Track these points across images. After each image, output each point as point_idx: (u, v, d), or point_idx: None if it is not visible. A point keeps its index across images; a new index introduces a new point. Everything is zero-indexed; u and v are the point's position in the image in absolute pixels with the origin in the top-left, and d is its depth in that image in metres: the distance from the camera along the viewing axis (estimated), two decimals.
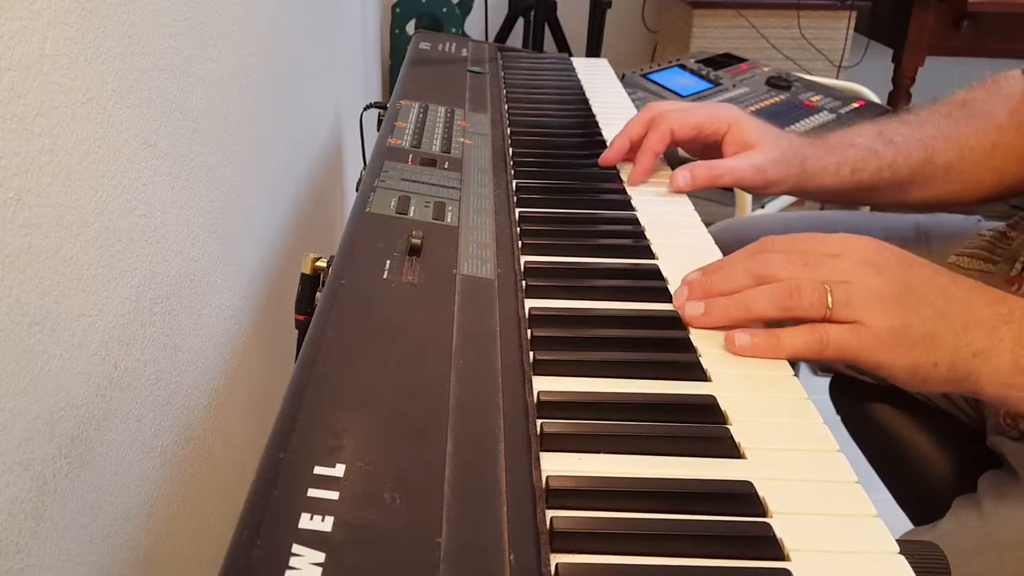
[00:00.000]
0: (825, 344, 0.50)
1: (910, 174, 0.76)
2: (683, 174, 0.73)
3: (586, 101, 0.98)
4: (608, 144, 0.80)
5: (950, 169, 0.76)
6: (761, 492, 0.40)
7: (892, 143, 0.75)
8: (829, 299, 0.50)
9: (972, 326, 0.50)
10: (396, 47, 2.33)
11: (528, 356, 0.48)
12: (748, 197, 1.42)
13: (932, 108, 0.79)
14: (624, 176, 0.76)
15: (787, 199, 1.59)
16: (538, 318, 0.53)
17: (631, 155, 0.77)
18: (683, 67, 1.65)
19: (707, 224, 0.70)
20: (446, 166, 0.70)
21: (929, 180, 0.76)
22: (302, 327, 0.64)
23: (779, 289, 0.51)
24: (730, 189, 1.42)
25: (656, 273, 0.60)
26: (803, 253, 0.52)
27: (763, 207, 1.52)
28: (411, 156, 0.71)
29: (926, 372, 0.50)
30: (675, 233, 0.67)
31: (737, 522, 0.38)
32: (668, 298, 0.57)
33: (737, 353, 0.51)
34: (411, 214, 0.60)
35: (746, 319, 0.52)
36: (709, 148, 0.77)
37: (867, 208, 1.64)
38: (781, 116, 1.44)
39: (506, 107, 0.92)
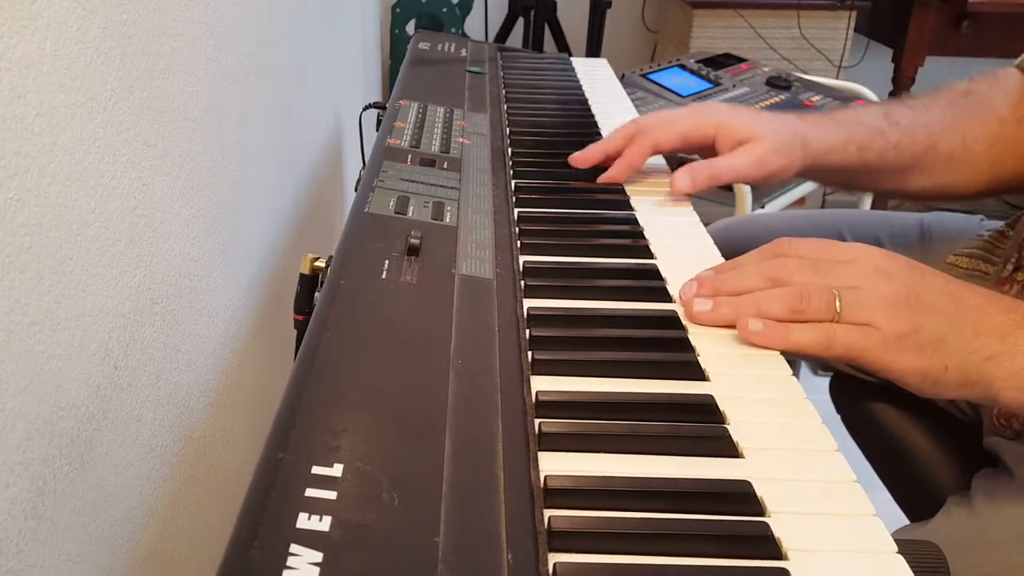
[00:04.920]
0: (832, 341, 0.50)
1: (913, 158, 0.75)
2: (683, 177, 0.72)
3: (586, 101, 0.98)
4: None
5: (952, 158, 0.75)
6: (759, 492, 0.40)
7: (898, 125, 0.75)
8: (837, 304, 0.51)
9: (984, 331, 0.50)
10: (396, 47, 2.33)
11: (527, 356, 0.48)
12: (748, 196, 1.41)
13: (936, 95, 0.79)
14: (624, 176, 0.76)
15: (788, 199, 1.59)
16: (537, 318, 0.53)
17: (604, 164, 0.76)
18: (683, 67, 1.65)
19: (706, 224, 0.70)
20: (445, 166, 0.70)
21: (931, 167, 0.76)
22: (301, 327, 0.64)
23: (790, 293, 0.52)
24: (730, 188, 1.42)
25: (655, 273, 0.60)
26: (815, 259, 0.54)
27: (763, 207, 1.51)
28: (410, 156, 0.71)
29: (936, 375, 0.50)
30: (674, 233, 0.67)
31: (735, 521, 0.38)
32: (667, 298, 0.57)
33: (747, 338, 0.52)
34: (410, 214, 0.60)
35: (756, 318, 0.53)
36: (707, 148, 0.76)
37: (868, 206, 1.64)
38: None
39: (505, 107, 0.92)
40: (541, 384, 0.46)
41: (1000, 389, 0.50)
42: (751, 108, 0.76)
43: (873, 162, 0.74)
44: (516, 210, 0.68)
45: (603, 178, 0.74)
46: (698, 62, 1.67)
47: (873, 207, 1.68)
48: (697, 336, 0.53)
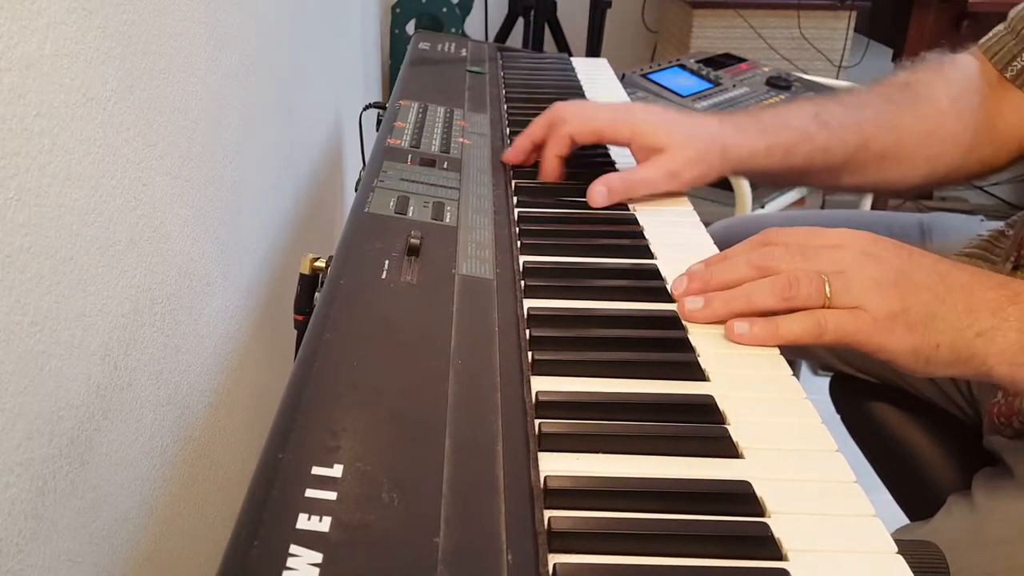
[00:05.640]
0: (824, 328, 0.50)
1: (843, 159, 0.74)
2: (599, 190, 0.69)
3: None
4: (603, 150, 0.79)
5: (885, 156, 0.74)
6: (759, 492, 0.40)
7: (827, 126, 0.73)
8: (827, 289, 0.51)
9: (975, 307, 0.50)
10: (396, 47, 2.33)
11: (527, 356, 0.48)
12: (748, 197, 1.42)
13: (873, 90, 0.77)
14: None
15: (788, 199, 1.59)
16: (537, 318, 0.53)
17: (534, 155, 0.75)
18: (683, 67, 1.65)
19: (706, 224, 0.70)
20: (445, 166, 0.70)
21: (863, 166, 0.75)
22: (301, 327, 0.64)
23: (779, 280, 0.52)
24: (730, 188, 1.42)
25: (655, 273, 0.60)
26: (802, 245, 0.53)
27: (763, 207, 1.52)
28: (410, 156, 0.71)
29: (928, 354, 0.50)
30: (674, 233, 0.67)
31: (735, 522, 0.38)
32: (667, 298, 0.57)
33: (736, 341, 0.52)
34: (410, 214, 0.60)
35: (748, 311, 0.53)
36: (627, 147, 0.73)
37: (868, 206, 1.64)
38: None
39: (505, 107, 0.92)
40: (541, 384, 0.46)
41: (993, 365, 0.50)
42: (672, 111, 0.73)
43: (799, 165, 0.73)
44: (516, 210, 0.68)
45: (541, 178, 0.73)
46: (698, 62, 1.67)
47: (873, 207, 1.68)
48: (697, 336, 0.52)
